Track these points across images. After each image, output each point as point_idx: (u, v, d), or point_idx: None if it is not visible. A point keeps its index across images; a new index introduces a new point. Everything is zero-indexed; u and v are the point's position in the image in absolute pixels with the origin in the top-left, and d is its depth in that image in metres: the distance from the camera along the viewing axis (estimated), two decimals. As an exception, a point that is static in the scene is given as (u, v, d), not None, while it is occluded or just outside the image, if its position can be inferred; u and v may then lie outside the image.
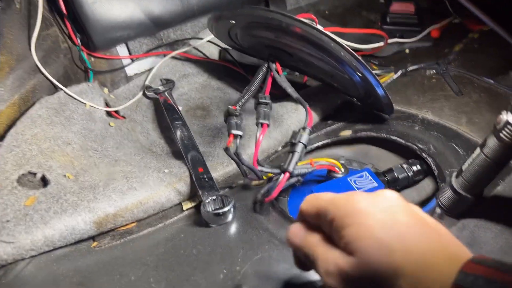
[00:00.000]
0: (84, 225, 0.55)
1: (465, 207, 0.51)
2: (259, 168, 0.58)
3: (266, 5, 1.15)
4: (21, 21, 0.75)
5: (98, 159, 0.67)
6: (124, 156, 0.69)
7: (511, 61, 0.83)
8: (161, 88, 0.91)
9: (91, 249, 0.55)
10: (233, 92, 0.93)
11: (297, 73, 0.98)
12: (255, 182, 0.64)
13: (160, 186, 0.61)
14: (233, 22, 0.74)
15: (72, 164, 0.64)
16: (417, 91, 0.81)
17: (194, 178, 0.61)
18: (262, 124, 0.61)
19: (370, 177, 0.60)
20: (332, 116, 0.81)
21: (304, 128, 0.60)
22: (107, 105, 0.83)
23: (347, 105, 0.83)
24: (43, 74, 0.75)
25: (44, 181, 0.60)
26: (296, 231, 0.39)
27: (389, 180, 0.63)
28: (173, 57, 1.01)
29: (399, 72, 0.88)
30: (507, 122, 0.42)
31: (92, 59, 0.90)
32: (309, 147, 0.69)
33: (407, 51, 1.03)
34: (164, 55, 1.00)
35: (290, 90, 0.68)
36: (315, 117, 0.78)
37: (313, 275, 0.47)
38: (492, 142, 0.45)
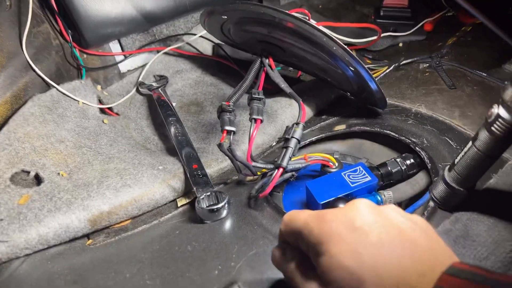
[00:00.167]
0: (79, 223, 0.54)
1: (458, 200, 0.52)
2: (253, 163, 0.58)
3: (259, 0, 1.14)
4: (12, 18, 0.74)
5: (91, 156, 0.66)
6: (118, 153, 0.69)
7: (504, 54, 0.84)
8: (154, 84, 0.91)
9: (85, 247, 0.55)
10: (227, 88, 0.93)
11: (290, 68, 0.98)
12: (249, 178, 0.64)
13: (154, 183, 0.61)
14: (225, 17, 0.73)
15: (66, 162, 0.63)
16: (410, 85, 0.81)
17: (188, 175, 0.61)
18: (255, 120, 0.60)
19: (364, 172, 0.60)
20: (326, 111, 0.81)
21: (297, 123, 0.60)
22: (100, 102, 0.83)
23: (340, 100, 0.83)
24: (35, 71, 0.75)
25: (38, 179, 0.60)
26: (276, 256, 0.40)
27: (382, 174, 0.63)
28: (166, 53, 1.00)
29: (393, 66, 0.88)
30: (498, 115, 0.42)
31: (85, 56, 0.90)
32: (303, 142, 0.70)
33: (400, 44, 1.04)
34: (157, 51, 1.00)
35: (284, 85, 0.68)
36: (308, 112, 0.78)
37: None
38: (483, 135, 0.45)
